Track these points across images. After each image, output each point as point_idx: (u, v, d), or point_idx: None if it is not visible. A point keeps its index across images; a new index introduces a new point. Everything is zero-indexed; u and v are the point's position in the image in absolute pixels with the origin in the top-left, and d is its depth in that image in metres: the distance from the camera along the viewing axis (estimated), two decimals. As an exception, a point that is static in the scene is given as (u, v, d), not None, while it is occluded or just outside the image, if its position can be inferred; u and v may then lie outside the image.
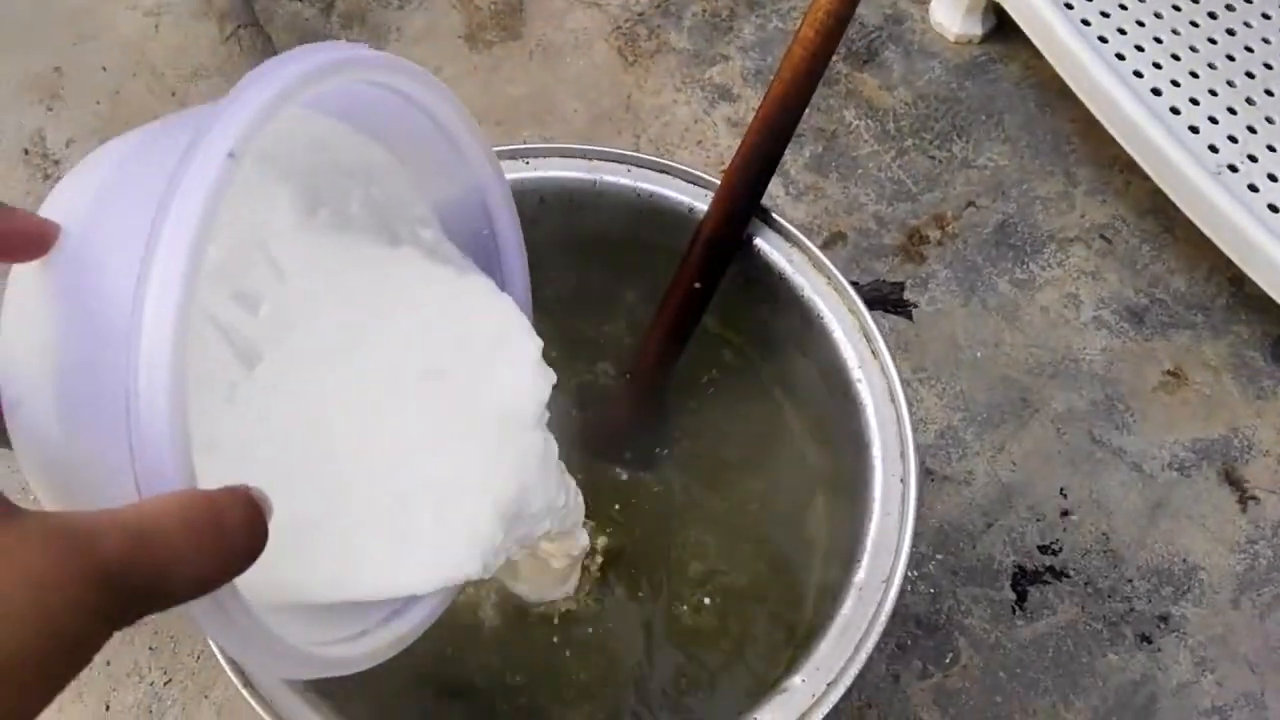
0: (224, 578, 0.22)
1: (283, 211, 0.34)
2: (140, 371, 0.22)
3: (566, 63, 0.87)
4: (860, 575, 0.44)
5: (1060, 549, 0.70)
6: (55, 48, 0.86)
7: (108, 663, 0.69)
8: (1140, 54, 0.82)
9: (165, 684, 0.69)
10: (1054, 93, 0.86)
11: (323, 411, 0.32)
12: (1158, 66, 0.82)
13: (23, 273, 0.26)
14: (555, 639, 0.48)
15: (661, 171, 0.52)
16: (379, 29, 0.88)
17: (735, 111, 0.85)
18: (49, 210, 0.27)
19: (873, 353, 0.49)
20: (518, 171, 0.51)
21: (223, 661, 0.40)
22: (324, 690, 0.40)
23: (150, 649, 0.69)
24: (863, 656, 0.42)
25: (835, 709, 0.40)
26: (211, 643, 0.41)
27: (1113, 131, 0.80)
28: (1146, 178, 0.79)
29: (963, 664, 0.66)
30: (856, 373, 0.48)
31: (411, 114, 0.33)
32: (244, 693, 0.39)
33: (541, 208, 0.52)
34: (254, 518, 0.23)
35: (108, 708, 0.69)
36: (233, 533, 0.22)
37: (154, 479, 0.23)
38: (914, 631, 0.67)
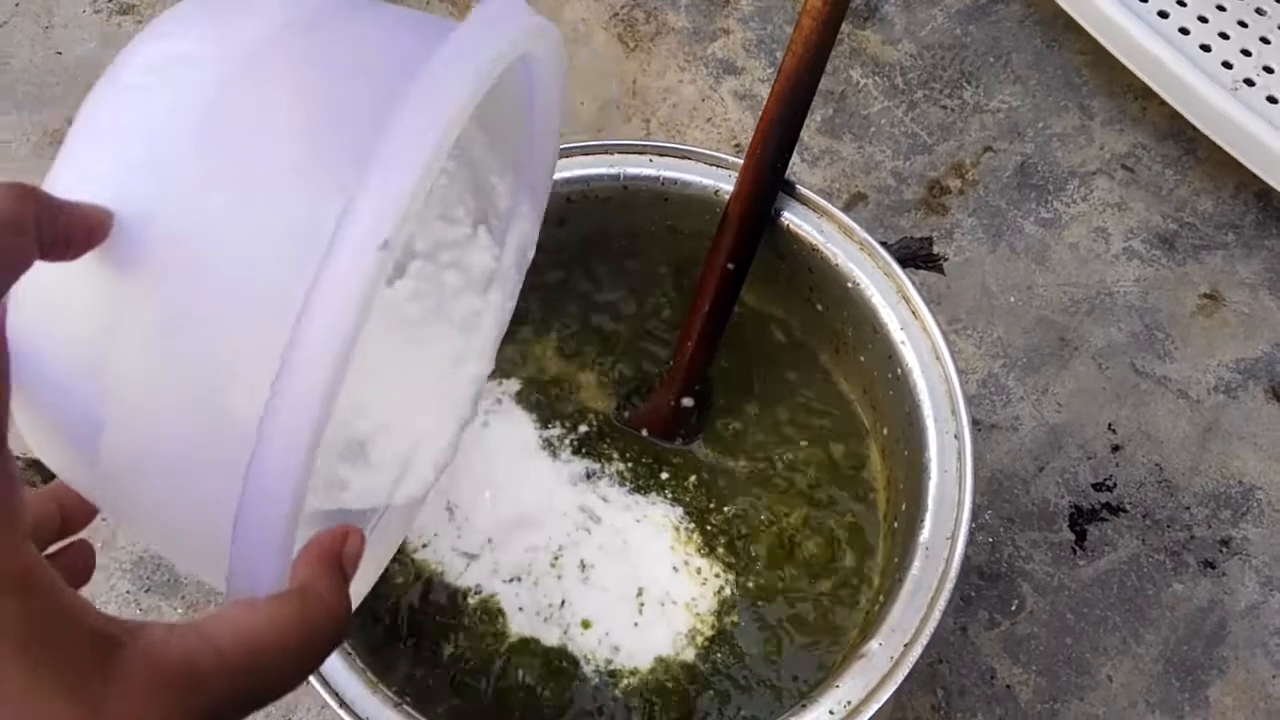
0: (320, 663, 0.23)
1: None
2: (262, 482, 0.20)
3: (568, 55, 0.87)
4: (925, 534, 0.45)
5: (1114, 484, 0.70)
6: (68, 102, 0.87)
7: (194, 693, 0.71)
8: (1144, -23, 0.81)
9: (252, 708, 0.71)
10: (1059, 27, 0.86)
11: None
12: (1163, -12, 0.81)
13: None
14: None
15: (684, 158, 0.52)
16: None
17: (741, 84, 0.85)
18: (82, 184, 0.22)
19: (913, 313, 0.49)
20: (541, 174, 0.52)
21: (311, 678, 0.42)
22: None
23: (233, 676, 0.71)
24: (936, 614, 0.43)
25: (893, 694, 0.41)
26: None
27: (1123, 60, 0.79)
28: (1163, 102, 0.78)
29: (1029, 610, 0.66)
30: (899, 334, 0.49)
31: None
32: (338, 710, 0.41)
33: (570, 207, 0.53)
34: (338, 612, 0.23)
35: (199, 736, 0.71)
36: (323, 640, 0.22)
37: (248, 582, 0.22)
38: (977, 583, 0.67)
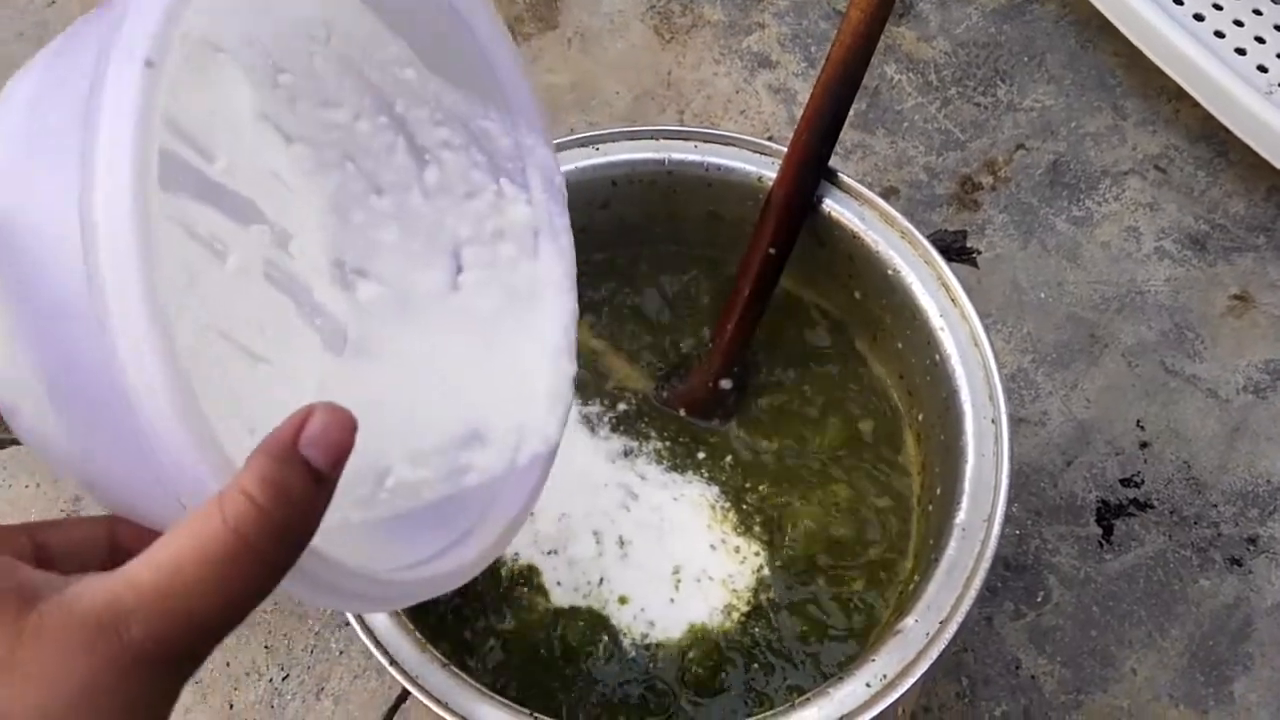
0: (267, 590, 0.20)
1: (243, 98, 0.30)
2: (131, 380, 0.19)
3: (604, 46, 0.88)
4: (961, 516, 0.45)
5: (1142, 481, 0.70)
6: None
7: (227, 664, 0.72)
8: (1179, -20, 0.82)
9: (283, 679, 0.72)
10: (1094, 28, 0.86)
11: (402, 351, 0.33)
12: (1198, -9, 0.81)
13: None
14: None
15: (728, 144, 0.53)
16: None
17: (776, 78, 0.86)
18: None
19: (952, 300, 0.50)
20: (588, 159, 0.53)
21: (364, 637, 0.43)
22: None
23: (266, 647, 0.73)
24: (972, 593, 0.44)
25: (928, 670, 0.42)
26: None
27: (1158, 62, 0.80)
28: (1196, 104, 0.79)
29: (1054, 602, 0.67)
30: (938, 321, 0.49)
31: None
32: (388, 666, 0.42)
33: (614, 191, 0.54)
34: (277, 514, 0.19)
35: (231, 706, 0.72)
36: (263, 549, 0.19)
37: (194, 490, 0.20)
38: (1003, 573, 0.68)
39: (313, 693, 0.72)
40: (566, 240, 0.36)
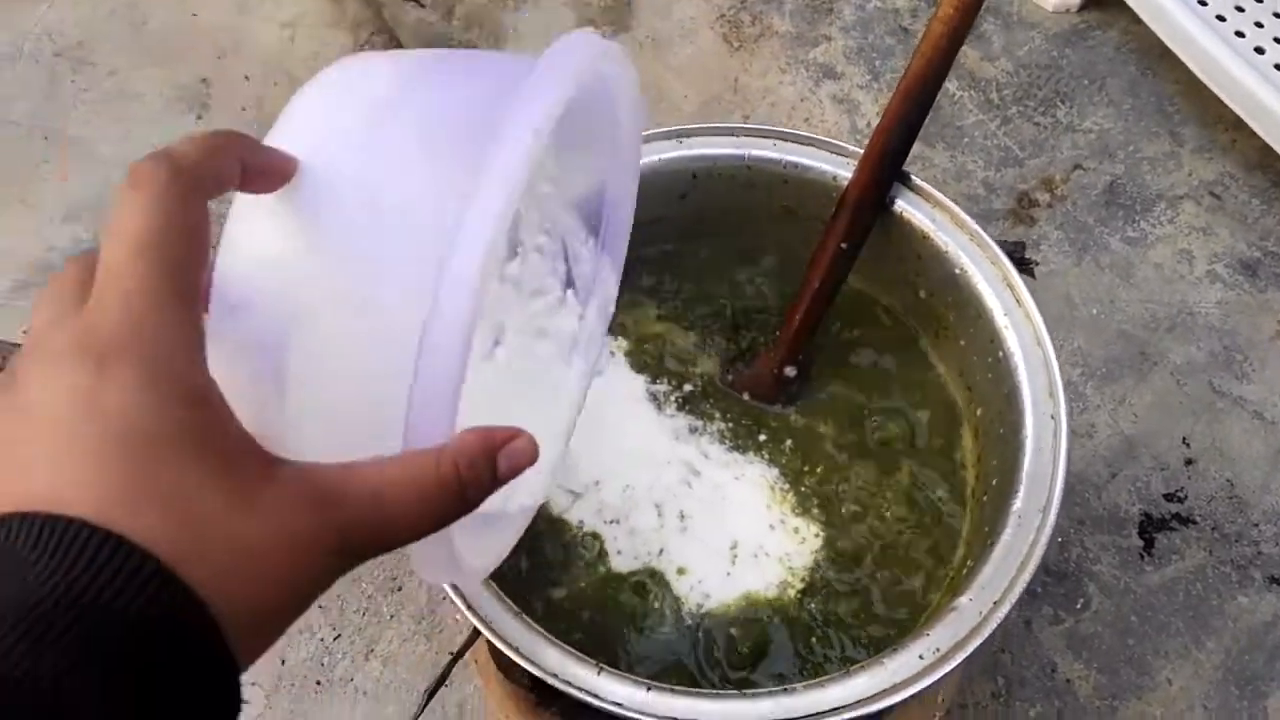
0: (436, 529, 0.25)
1: None
2: (434, 341, 0.24)
3: (675, 51, 0.91)
4: (1018, 504, 0.47)
5: (1186, 496, 0.72)
6: (200, 61, 0.93)
7: (285, 622, 0.75)
8: (1241, 14, 0.83)
9: (335, 639, 0.75)
10: (1155, 56, 0.88)
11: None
12: (1260, 25, 0.83)
13: (257, 198, 0.27)
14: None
15: (807, 144, 0.55)
16: (497, 30, 0.93)
17: (840, 89, 0.88)
18: (285, 140, 0.28)
19: (1017, 301, 0.52)
20: (671, 150, 0.55)
21: (453, 597, 0.45)
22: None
23: (320, 607, 0.75)
24: (1026, 577, 0.45)
25: (979, 646, 0.43)
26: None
27: (1218, 92, 0.81)
28: (1253, 134, 0.80)
29: (1094, 609, 0.68)
30: (1003, 319, 0.51)
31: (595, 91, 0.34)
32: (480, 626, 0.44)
33: (694, 183, 0.56)
34: (457, 491, 0.25)
35: (283, 662, 0.75)
36: (438, 508, 0.25)
37: (424, 435, 0.25)
38: (1044, 579, 0.69)
39: (362, 653, 0.75)
40: (595, 364, 0.41)
